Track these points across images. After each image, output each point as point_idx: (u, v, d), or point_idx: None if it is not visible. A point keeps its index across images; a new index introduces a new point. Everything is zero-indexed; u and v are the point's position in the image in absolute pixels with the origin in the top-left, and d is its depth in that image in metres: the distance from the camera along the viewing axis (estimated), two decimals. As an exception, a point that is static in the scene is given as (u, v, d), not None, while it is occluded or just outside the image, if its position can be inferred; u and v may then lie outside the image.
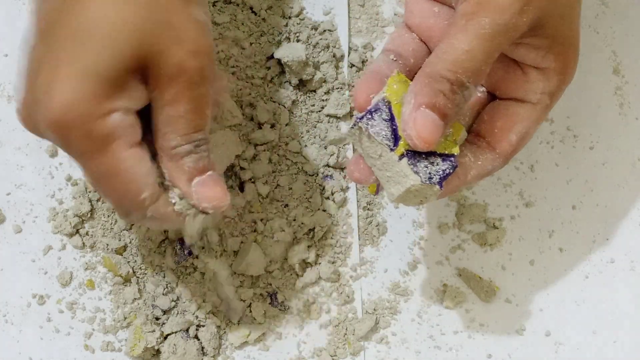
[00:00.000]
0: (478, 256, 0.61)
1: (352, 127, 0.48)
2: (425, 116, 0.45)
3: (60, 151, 0.59)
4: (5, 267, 0.58)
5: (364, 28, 0.63)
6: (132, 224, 0.58)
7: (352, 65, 0.63)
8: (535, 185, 0.63)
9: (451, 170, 0.47)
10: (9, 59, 0.60)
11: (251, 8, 0.62)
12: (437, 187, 0.47)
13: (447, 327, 0.60)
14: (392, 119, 0.47)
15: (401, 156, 0.46)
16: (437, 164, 0.47)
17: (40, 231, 0.58)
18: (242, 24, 0.61)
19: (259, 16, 0.62)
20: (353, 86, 0.62)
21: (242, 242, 0.59)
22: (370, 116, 0.47)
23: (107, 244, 0.58)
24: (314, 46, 0.62)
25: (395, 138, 0.46)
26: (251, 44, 0.61)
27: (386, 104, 0.47)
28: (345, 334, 0.59)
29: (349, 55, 0.63)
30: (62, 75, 0.44)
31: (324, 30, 0.62)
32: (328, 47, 0.62)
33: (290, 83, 0.61)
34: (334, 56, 0.62)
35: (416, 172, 0.46)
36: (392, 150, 0.46)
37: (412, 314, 0.60)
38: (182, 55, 0.45)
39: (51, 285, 0.58)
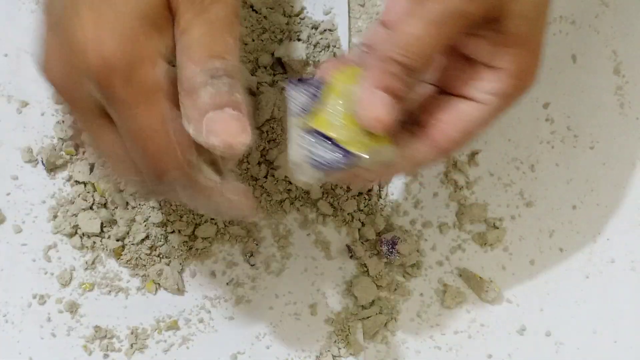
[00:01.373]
0: (478, 256, 0.61)
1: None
2: (379, 98, 0.45)
3: (60, 151, 0.59)
4: (6, 267, 0.58)
5: (364, 28, 0.63)
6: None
7: (352, 65, 0.63)
8: (536, 185, 0.63)
9: (341, 166, 0.45)
10: (9, 59, 0.60)
11: (252, 6, 0.62)
12: (317, 171, 0.45)
13: (447, 327, 0.60)
14: (315, 95, 0.46)
15: (307, 131, 0.45)
16: (335, 154, 0.45)
17: (40, 231, 0.58)
18: (245, 19, 0.61)
19: (260, 14, 0.62)
20: None
21: None
22: (299, 83, 0.46)
23: (106, 245, 0.58)
24: (315, 45, 0.62)
25: (306, 112, 0.46)
26: (253, 40, 0.61)
27: (321, 81, 0.46)
28: (348, 334, 0.59)
29: (349, 55, 0.63)
30: (102, 19, 0.42)
31: (325, 30, 0.62)
32: (328, 46, 0.62)
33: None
34: (334, 55, 0.62)
35: (302, 149, 0.45)
36: (298, 117, 0.46)
37: (412, 314, 0.60)
38: None
39: (51, 285, 0.58)
